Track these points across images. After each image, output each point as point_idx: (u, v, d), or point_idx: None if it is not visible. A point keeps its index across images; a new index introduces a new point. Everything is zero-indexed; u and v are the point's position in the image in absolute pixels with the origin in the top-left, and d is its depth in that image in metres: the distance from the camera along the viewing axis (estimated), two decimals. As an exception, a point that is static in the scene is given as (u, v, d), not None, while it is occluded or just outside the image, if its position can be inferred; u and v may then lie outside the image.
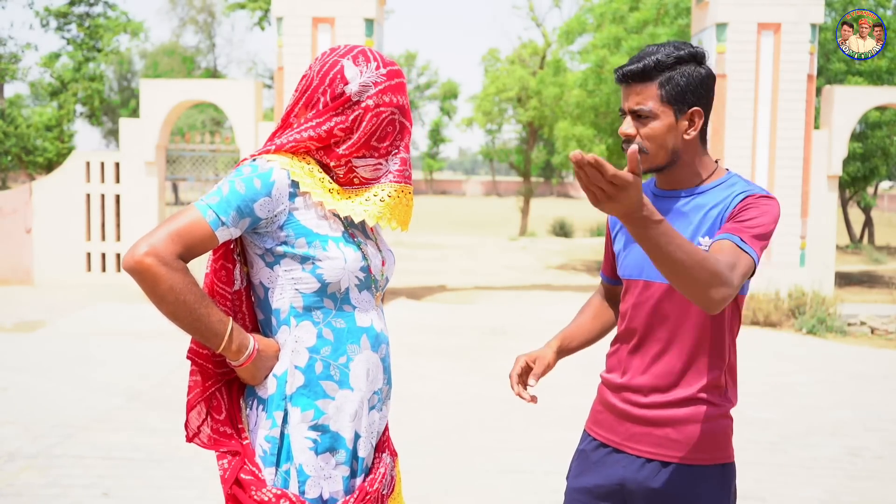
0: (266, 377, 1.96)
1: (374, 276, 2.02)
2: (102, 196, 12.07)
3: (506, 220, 33.59)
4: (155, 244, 1.80)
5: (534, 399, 2.26)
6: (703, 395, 2.15)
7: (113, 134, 33.83)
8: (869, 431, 5.84)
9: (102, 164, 12.04)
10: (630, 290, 2.24)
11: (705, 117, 2.13)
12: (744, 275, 1.93)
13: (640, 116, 2.11)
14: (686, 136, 2.12)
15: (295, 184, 1.92)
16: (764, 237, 2.00)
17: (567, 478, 2.37)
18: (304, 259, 1.93)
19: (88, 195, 12.07)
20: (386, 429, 2.13)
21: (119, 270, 12.05)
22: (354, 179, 2.00)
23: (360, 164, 1.98)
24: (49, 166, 20.28)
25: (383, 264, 2.07)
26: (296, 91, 2.01)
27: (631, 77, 2.10)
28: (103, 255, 12.11)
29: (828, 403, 6.58)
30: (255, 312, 2.04)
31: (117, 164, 12.00)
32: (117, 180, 12.01)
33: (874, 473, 5.00)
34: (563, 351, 2.39)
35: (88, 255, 12.10)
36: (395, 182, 2.00)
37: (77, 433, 5.40)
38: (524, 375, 2.29)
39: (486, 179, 69.39)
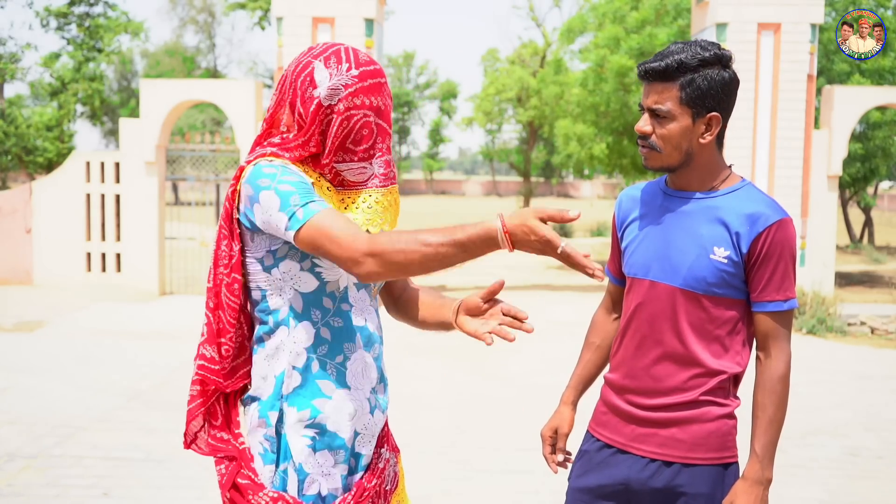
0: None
1: None
2: (102, 196, 12.06)
3: (506, 220, 33.51)
4: (354, 245, 1.75)
5: (568, 460, 2.45)
6: (708, 396, 2.14)
7: (113, 134, 33.84)
8: (869, 431, 5.83)
9: (102, 164, 12.03)
10: (634, 289, 2.22)
11: (723, 122, 2.12)
12: (790, 326, 2.15)
13: (657, 115, 2.10)
14: (702, 140, 2.11)
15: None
16: (794, 272, 2.14)
17: (569, 478, 2.36)
18: (303, 258, 1.92)
19: (88, 195, 12.06)
20: (385, 424, 2.11)
21: (119, 270, 12.04)
22: (345, 182, 1.98)
23: (343, 168, 1.95)
24: (49, 166, 20.29)
25: None
26: (276, 90, 1.99)
27: (652, 75, 2.09)
28: (103, 255, 12.10)
29: (828, 403, 6.58)
30: (252, 322, 2.01)
31: (117, 164, 11.99)
32: (117, 180, 12.00)
33: (874, 473, 4.99)
34: (580, 396, 2.47)
35: (88, 255, 12.09)
36: (382, 186, 1.97)
37: (77, 433, 5.40)
38: (554, 447, 2.43)
39: (486, 179, 69.30)
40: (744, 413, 2.23)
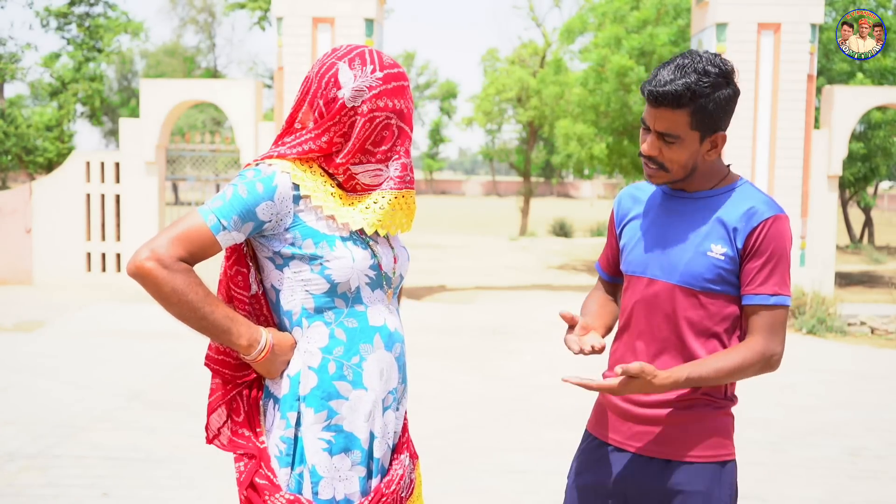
0: (283, 371, 1.96)
1: (385, 274, 2.01)
2: (102, 196, 12.07)
3: (506, 220, 33.58)
4: (156, 248, 1.83)
5: (595, 350, 2.12)
6: (705, 394, 2.15)
7: (113, 134, 33.81)
8: (869, 431, 5.84)
9: (102, 164, 12.04)
10: (632, 286, 2.23)
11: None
12: (783, 323, 2.10)
13: (664, 139, 2.09)
14: (707, 157, 2.13)
15: (297, 186, 1.93)
16: (787, 270, 2.11)
17: (568, 476, 2.37)
18: (311, 260, 1.93)
19: (88, 195, 12.07)
20: (405, 429, 2.12)
21: (119, 270, 12.06)
22: (357, 186, 1.99)
23: (358, 170, 1.96)
24: (49, 166, 20.27)
25: (395, 261, 2.06)
26: (299, 91, 2.01)
27: (662, 101, 2.05)
28: (103, 255, 12.11)
29: (828, 403, 6.58)
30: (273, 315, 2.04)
31: (117, 164, 12.00)
32: (117, 180, 12.01)
33: (874, 473, 5.00)
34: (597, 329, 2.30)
35: (88, 255, 12.10)
36: (396, 189, 1.98)
37: (77, 433, 5.40)
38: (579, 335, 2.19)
39: (486, 179, 69.30)
40: (740, 411, 2.23)
